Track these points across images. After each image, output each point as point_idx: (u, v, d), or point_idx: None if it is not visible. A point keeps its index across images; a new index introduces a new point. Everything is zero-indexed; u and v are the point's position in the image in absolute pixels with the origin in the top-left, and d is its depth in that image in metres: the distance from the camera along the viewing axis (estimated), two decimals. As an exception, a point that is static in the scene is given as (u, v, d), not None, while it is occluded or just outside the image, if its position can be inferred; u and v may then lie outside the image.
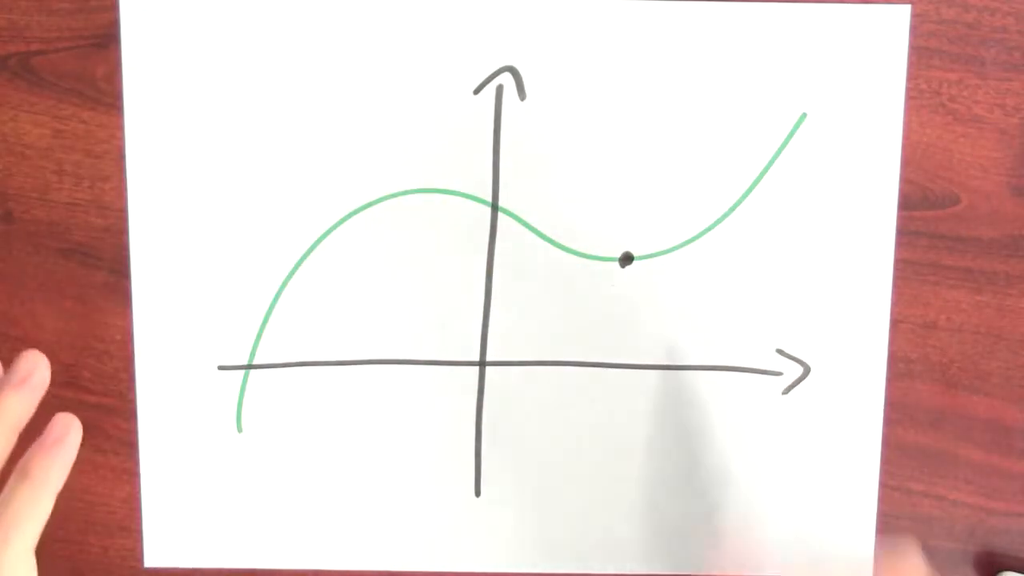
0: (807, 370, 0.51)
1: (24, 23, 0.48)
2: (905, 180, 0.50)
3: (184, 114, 0.49)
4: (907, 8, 0.48)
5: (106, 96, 0.49)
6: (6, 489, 0.41)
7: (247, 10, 0.48)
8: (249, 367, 0.50)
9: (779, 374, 0.51)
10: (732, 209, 0.50)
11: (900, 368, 0.51)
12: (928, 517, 0.52)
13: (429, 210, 0.50)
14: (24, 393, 0.42)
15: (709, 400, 0.51)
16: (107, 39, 0.48)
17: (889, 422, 0.51)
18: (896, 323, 0.50)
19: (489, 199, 0.50)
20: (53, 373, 0.48)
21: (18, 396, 0.42)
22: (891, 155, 0.49)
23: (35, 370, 0.42)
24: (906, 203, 0.50)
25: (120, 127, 0.49)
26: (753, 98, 0.49)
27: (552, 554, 0.52)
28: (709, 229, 0.50)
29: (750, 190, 0.50)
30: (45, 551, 0.53)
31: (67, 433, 0.41)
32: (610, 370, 0.51)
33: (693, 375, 0.51)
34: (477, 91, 0.49)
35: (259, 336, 0.50)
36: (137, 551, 0.52)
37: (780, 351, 0.51)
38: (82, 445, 0.52)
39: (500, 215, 0.50)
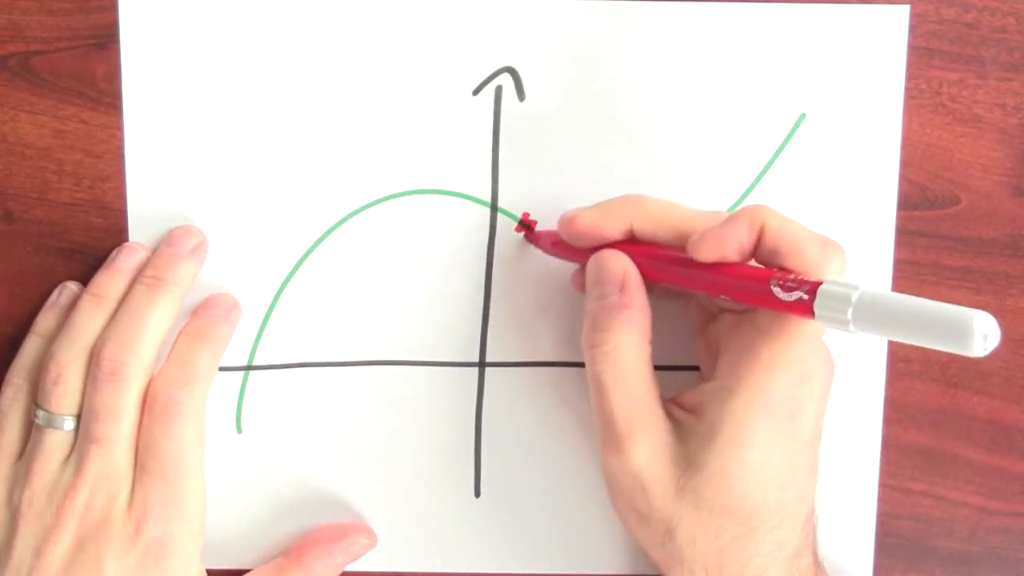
0: (807, 370, 0.51)
1: (24, 23, 0.48)
2: (905, 180, 0.50)
3: (183, 114, 0.49)
4: (906, 8, 0.49)
5: (106, 96, 0.49)
6: (183, 349, 0.46)
7: (247, 11, 0.48)
8: (249, 368, 0.50)
9: (779, 374, 0.51)
10: (731, 209, 0.50)
11: (900, 368, 0.51)
12: (928, 517, 0.52)
13: (428, 211, 0.50)
14: (195, 262, 0.48)
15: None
16: (107, 39, 0.48)
17: (889, 422, 0.51)
18: (896, 323, 0.50)
19: (488, 200, 0.50)
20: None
21: (190, 264, 0.46)
22: (891, 155, 0.49)
23: (202, 242, 0.49)
24: (906, 203, 0.50)
25: (120, 127, 0.49)
26: (752, 98, 0.49)
27: (553, 555, 0.52)
28: (709, 229, 0.50)
29: (749, 190, 0.50)
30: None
31: (234, 304, 0.49)
32: (610, 370, 0.51)
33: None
34: (476, 92, 0.49)
35: (258, 337, 0.50)
36: (136, 552, 0.52)
37: (780, 351, 0.51)
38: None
39: (499, 215, 0.50)
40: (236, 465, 0.51)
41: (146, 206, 0.49)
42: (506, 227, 0.50)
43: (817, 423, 0.44)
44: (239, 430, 0.51)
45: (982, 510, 0.52)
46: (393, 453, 0.51)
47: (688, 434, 0.43)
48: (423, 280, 0.50)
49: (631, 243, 0.45)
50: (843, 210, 0.50)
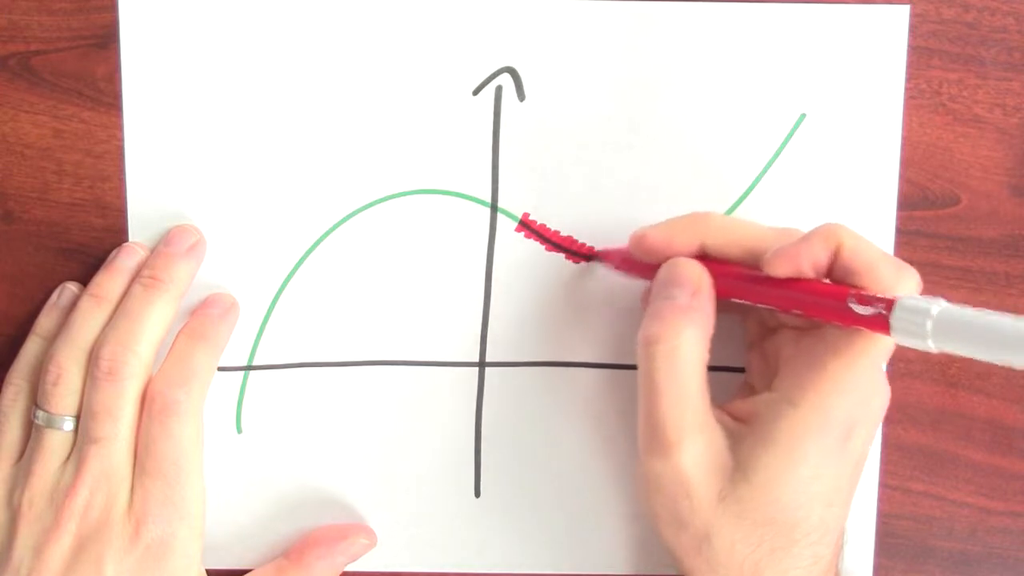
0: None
1: (24, 23, 0.48)
2: (905, 180, 0.50)
3: (183, 114, 0.49)
4: (906, 8, 0.48)
5: (106, 96, 0.49)
6: (182, 349, 0.47)
7: (247, 11, 0.48)
8: (248, 368, 0.50)
9: (779, 374, 0.51)
10: (731, 210, 0.50)
11: (900, 368, 0.51)
12: (928, 517, 0.52)
13: (428, 211, 0.50)
14: (192, 261, 0.47)
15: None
16: (107, 39, 0.48)
17: (889, 422, 0.51)
18: (896, 323, 0.50)
19: (488, 200, 0.50)
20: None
21: (187, 264, 0.46)
22: (891, 155, 0.49)
23: (199, 241, 0.48)
24: (906, 203, 0.50)
25: (120, 127, 0.49)
26: (752, 99, 0.49)
27: (553, 555, 0.52)
28: (709, 229, 0.50)
29: (749, 191, 0.50)
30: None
31: (232, 304, 0.49)
32: (610, 370, 0.51)
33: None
34: (476, 92, 0.49)
35: (258, 337, 0.50)
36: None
37: (780, 351, 0.51)
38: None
39: (499, 216, 0.50)
40: (236, 465, 0.51)
41: (146, 206, 0.49)
42: (506, 227, 0.50)
43: (867, 446, 0.44)
44: (239, 430, 0.51)
45: (982, 510, 0.52)
46: (393, 453, 0.51)
47: (737, 442, 0.43)
48: (423, 280, 0.50)
49: (701, 259, 0.45)
50: (843, 210, 0.50)
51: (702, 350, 0.43)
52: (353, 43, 0.49)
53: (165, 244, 0.48)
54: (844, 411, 0.42)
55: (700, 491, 0.43)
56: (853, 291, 0.40)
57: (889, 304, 0.39)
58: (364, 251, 0.50)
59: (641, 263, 0.47)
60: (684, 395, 0.43)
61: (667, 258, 0.45)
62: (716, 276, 0.44)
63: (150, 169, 0.49)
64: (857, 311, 0.40)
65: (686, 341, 0.43)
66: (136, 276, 0.47)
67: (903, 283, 0.41)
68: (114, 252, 0.48)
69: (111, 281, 0.47)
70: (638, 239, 0.46)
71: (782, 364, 0.45)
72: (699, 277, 0.44)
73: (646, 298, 0.47)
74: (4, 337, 0.50)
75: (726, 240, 0.45)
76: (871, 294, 0.40)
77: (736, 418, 0.45)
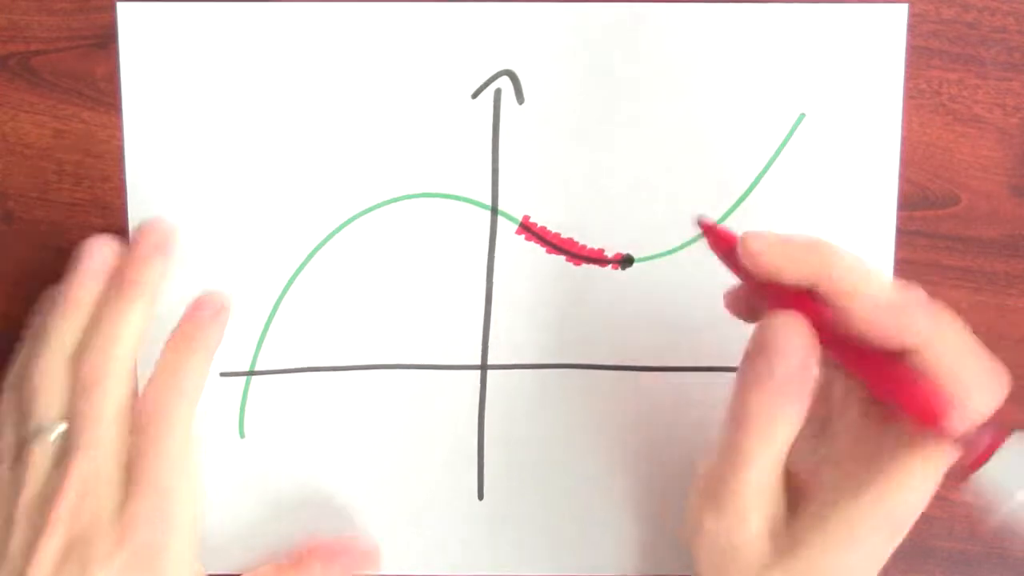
0: (808, 371, 0.51)
1: (24, 23, 0.48)
2: (905, 180, 0.50)
3: (183, 114, 0.49)
4: (904, 8, 0.49)
5: (106, 96, 0.48)
6: (171, 356, 0.46)
7: (246, 13, 0.48)
8: (251, 373, 0.50)
9: (780, 375, 0.51)
10: (731, 210, 0.50)
11: (901, 368, 0.51)
12: (928, 517, 0.51)
13: (429, 215, 0.50)
14: (162, 259, 0.47)
15: (710, 401, 0.51)
16: (107, 39, 0.48)
17: (890, 422, 0.51)
18: (897, 323, 0.50)
19: (489, 203, 0.50)
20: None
21: (158, 263, 0.47)
22: (890, 155, 0.50)
23: (166, 236, 0.47)
24: (906, 203, 0.50)
25: (120, 127, 0.48)
26: (751, 99, 0.49)
27: (556, 557, 0.52)
28: (710, 230, 0.50)
29: (749, 191, 0.50)
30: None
31: (222, 304, 0.48)
32: (611, 372, 0.51)
33: (694, 376, 0.51)
34: (475, 95, 0.49)
35: (261, 342, 0.50)
36: (135, 558, 0.52)
37: (782, 352, 0.51)
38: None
39: (500, 218, 0.50)
40: (239, 470, 0.50)
41: (146, 206, 0.49)
42: (506, 230, 0.50)
43: (907, 530, 0.43)
44: (242, 435, 0.50)
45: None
46: (396, 456, 0.51)
47: (794, 516, 0.42)
48: (424, 283, 0.50)
49: (808, 299, 0.40)
50: (843, 210, 0.50)
51: (796, 428, 0.41)
52: (352, 47, 0.49)
53: (132, 246, 0.47)
54: (906, 508, 0.41)
55: (749, 557, 0.42)
56: (956, 409, 0.38)
57: (1002, 435, 0.38)
58: (365, 255, 0.50)
59: (740, 263, 0.42)
60: (765, 472, 0.42)
61: (770, 280, 0.41)
62: (819, 327, 0.40)
63: (150, 169, 0.49)
64: (963, 435, 0.38)
65: (781, 425, 0.41)
66: (108, 278, 0.47)
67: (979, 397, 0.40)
68: (78, 252, 0.47)
69: (81, 287, 0.46)
70: (753, 254, 0.40)
71: (850, 441, 0.43)
72: (806, 349, 0.41)
73: (731, 301, 0.45)
74: (4, 337, 0.49)
75: (850, 289, 0.40)
76: (982, 422, 0.38)
77: (798, 481, 0.43)
